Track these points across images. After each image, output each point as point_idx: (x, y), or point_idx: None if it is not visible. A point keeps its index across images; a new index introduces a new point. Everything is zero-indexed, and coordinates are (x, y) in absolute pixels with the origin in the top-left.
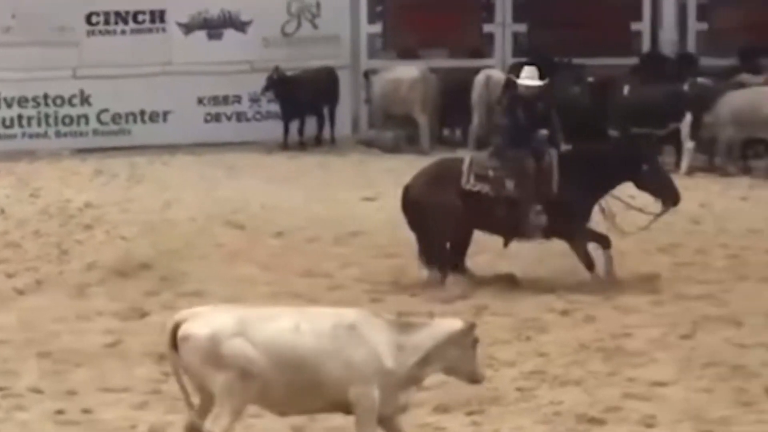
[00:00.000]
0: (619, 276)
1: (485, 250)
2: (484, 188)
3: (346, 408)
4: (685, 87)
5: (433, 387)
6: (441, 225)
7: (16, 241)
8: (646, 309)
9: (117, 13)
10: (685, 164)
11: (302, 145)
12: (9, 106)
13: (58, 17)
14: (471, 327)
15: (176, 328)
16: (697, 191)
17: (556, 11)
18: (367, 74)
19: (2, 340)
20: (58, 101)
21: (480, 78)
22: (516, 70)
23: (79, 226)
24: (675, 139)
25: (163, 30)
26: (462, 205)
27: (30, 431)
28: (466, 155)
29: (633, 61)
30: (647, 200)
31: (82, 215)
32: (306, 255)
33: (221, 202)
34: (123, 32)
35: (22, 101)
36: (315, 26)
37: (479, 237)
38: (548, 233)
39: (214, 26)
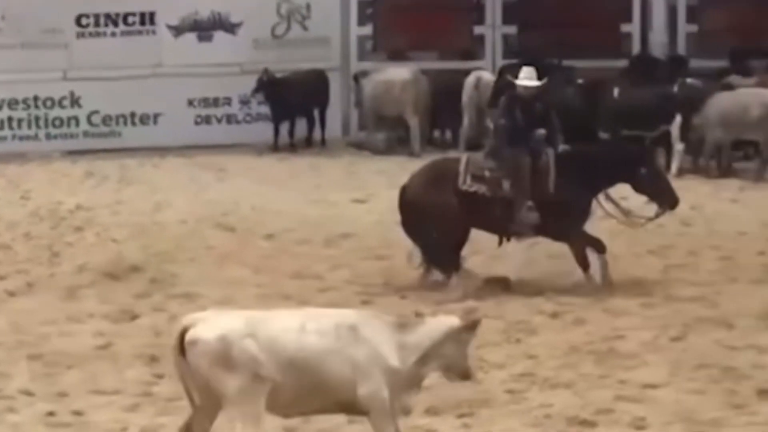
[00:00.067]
0: (613, 281)
1: (479, 252)
2: (481, 188)
3: (351, 408)
4: (675, 88)
5: (423, 389)
6: (439, 225)
7: (6, 243)
8: (636, 311)
9: (107, 15)
10: (675, 166)
11: (292, 147)
12: None
13: (48, 19)
14: (475, 324)
15: (183, 333)
16: (688, 193)
17: (546, 13)
18: (357, 77)
19: None
20: (49, 103)
21: (470, 80)
22: (506, 72)
23: (69, 229)
24: (665, 141)
25: (153, 32)
26: (459, 205)
27: None
28: (462, 156)
29: (623, 63)
30: (638, 202)
31: (73, 217)
32: (296, 257)
33: (212, 204)
34: (113, 34)
35: (12, 103)
36: (305, 28)
37: (473, 238)
38: (544, 233)
39: (204, 28)
